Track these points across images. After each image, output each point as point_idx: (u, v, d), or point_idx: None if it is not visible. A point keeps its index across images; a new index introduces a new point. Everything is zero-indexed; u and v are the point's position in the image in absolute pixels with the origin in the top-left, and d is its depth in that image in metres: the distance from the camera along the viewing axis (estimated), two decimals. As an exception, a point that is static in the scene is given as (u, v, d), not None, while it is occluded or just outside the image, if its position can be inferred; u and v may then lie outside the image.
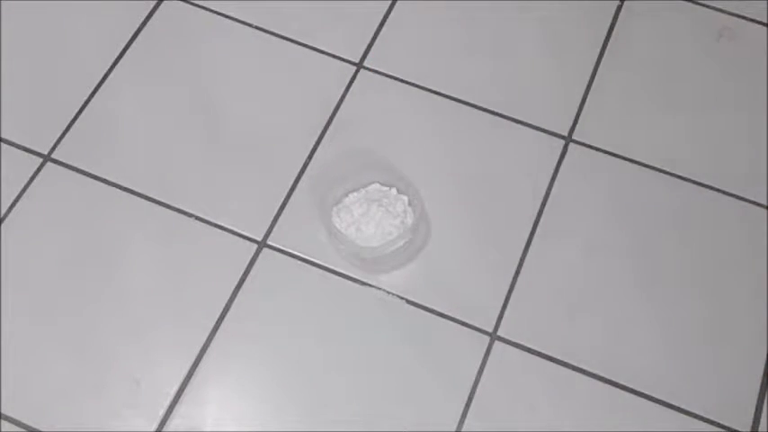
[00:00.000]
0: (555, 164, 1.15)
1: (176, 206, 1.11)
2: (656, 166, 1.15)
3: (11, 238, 1.08)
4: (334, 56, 1.23)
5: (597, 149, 1.17)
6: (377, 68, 1.22)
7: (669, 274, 1.08)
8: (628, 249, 1.10)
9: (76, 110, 1.18)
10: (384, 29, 1.25)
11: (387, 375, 1.02)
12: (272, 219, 1.10)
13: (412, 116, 1.19)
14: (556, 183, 1.14)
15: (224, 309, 1.04)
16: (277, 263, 1.08)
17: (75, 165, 1.14)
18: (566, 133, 1.18)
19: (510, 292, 1.06)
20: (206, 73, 1.22)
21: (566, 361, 1.02)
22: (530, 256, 1.09)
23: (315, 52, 1.23)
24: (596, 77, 1.22)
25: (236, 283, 1.06)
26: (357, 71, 1.21)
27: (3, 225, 1.09)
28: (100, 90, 1.19)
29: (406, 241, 1.07)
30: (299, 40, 1.24)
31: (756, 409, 1.00)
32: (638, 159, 1.16)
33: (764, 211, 1.12)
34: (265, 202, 1.12)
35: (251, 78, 1.21)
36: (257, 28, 1.25)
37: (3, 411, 0.98)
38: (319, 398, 1.00)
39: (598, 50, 1.24)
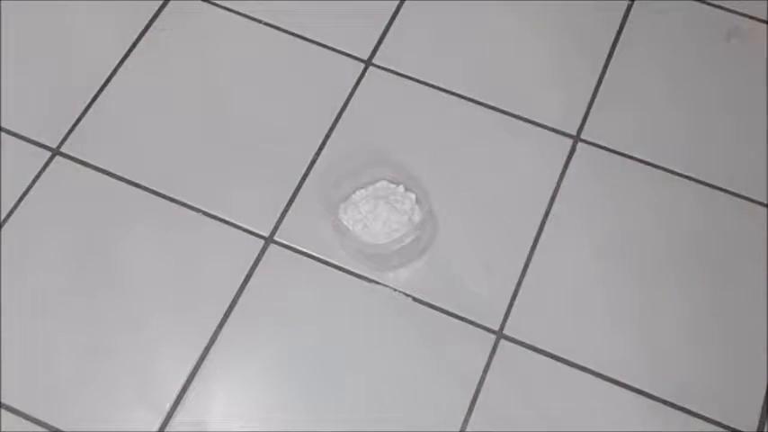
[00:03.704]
0: (563, 163, 1.15)
1: (184, 201, 1.11)
2: (663, 165, 1.15)
3: (20, 230, 1.09)
4: (343, 53, 1.23)
5: (605, 149, 1.16)
6: (386, 66, 1.22)
7: (674, 273, 1.08)
8: (634, 249, 1.10)
9: (85, 104, 1.18)
10: (393, 26, 1.25)
11: (392, 373, 1.02)
12: (279, 215, 1.10)
13: (420, 114, 1.19)
14: (564, 182, 1.13)
15: (230, 304, 1.05)
16: (284, 259, 1.08)
17: (83, 158, 1.14)
18: (574, 132, 1.17)
19: (516, 290, 1.06)
20: (214, 69, 1.22)
21: (572, 360, 1.02)
22: (536, 254, 1.08)
23: (324, 49, 1.23)
24: (606, 76, 1.21)
25: (242, 278, 1.06)
26: (366, 68, 1.21)
27: (12, 217, 1.09)
28: (109, 85, 1.20)
29: (413, 239, 1.07)
30: (308, 36, 1.24)
31: (762, 410, 1.00)
32: (646, 159, 1.15)
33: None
34: (273, 197, 1.12)
35: (259, 74, 1.21)
36: (266, 24, 1.25)
37: (13, 406, 0.99)
38: (324, 394, 1.01)
39: (608, 50, 1.24)
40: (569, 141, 1.17)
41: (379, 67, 1.22)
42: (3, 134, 1.15)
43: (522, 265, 1.08)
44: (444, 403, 1.00)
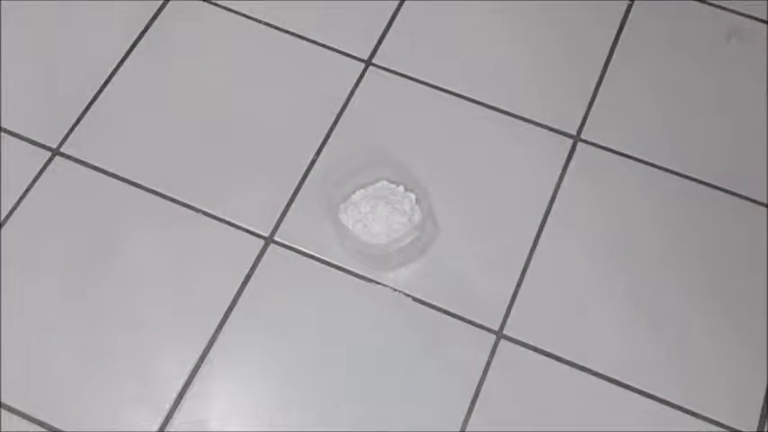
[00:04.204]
0: (563, 163, 1.15)
1: (184, 201, 1.11)
2: (663, 165, 1.15)
3: (20, 230, 1.09)
4: (343, 53, 1.23)
5: (606, 149, 1.16)
6: (386, 65, 1.22)
7: (674, 273, 1.08)
8: (634, 249, 1.10)
9: (85, 104, 1.18)
10: (393, 26, 1.25)
11: (392, 373, 1.02)
12: (279, 215, 1.10)
13: (420, 113, 1.19)
14: (564, 182, 1.13)
15: (230, 304, 1.05)
16: (284, 259, 1.08)
17: (83, 159, 1.14)
18: (574, 132, 1.17)
19: (516, 290, 1.06)
20: (214, 69, 1.22)
21: (572, 360, 1.02)
22: (536, 254, 1.08)
23: (324, 49, 1.23)
24: (606, 76, 1.21)
25: (242, 278, 1.06)
26: (366, 68, 1.21)
27: (12, 217, 1.09)
28: (109, 85, 1.19)
29: (413, 239, 1.07)
30: (308, 36, 1.24)
31: (762, 409, 1.00)
32: (646, 159, 1.15)
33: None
34: (273, 197, 1.12)
35: (259, 74, 1.21)
36: (266, 24, 1.25)
37: (13, 406, 0.99)
38: (324, 394, 1.01)
39: (608, 49, 1.24)
40: (569, 141, 1.17)
41: (379, 67, 1.22)
42: (3, 134, 1.15)
43: (522, 265, 1.08)
44: (444, 403, 1.00)
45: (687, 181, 1.14)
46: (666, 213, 1.12)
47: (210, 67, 1.22)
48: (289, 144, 1.16)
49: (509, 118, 1.18)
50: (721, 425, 0.99)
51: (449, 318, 1.05)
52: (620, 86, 1.21)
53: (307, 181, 1.13)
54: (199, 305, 1.05)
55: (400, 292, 1.06)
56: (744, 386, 1.02)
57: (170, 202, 1.11)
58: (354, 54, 1.23)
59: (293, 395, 1.01)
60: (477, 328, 1.04)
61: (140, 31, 1.24)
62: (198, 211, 1.11)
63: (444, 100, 1.19)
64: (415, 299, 1.06)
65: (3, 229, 1.09)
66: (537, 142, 1.17)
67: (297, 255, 1.08)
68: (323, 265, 1.07)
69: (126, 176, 1.13)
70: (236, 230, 1.10)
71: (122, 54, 1.22)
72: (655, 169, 1.15)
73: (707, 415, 1.00)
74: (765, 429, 0.99)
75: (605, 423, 0.99)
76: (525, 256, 1.09)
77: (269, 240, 1.09)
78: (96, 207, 1.11)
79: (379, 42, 1.24)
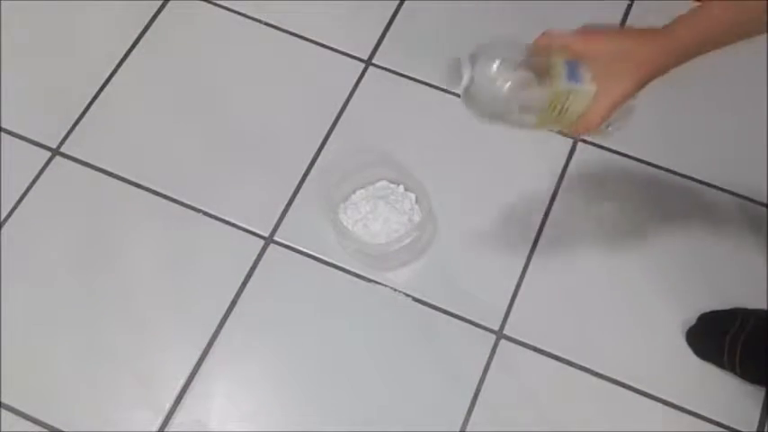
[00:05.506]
0: (563, 163, 1.15)
1: (184, 201, 1.11)
2: (663, 165, 1.15)
3: (20, 229, 1.09)
4: (343, 53, 1.23)
5: (605, 149, 1.16)
6: (385, 65, 1.22)
7: (674, 273, 1.08)
8: (633, 248, 1.10)
9: (85, 105, 1.18)
10: (393, 26, 1.25)
11: (392, 373, 1.02)
12: (279, 215, 1.10)
13: (421, 114, 1.19)
14: (564, 183, 1.13)
15: (230, 304, 1.05)
16: (284, 259, 1.08)
17: (83, 159, 1.14)
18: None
19: (516, 290, 1.06)
20: (214, 69, 1.22)
21: (571, 360, 1.02)
22: (536, 255, 1.08)
23: (324, 49, 1.23)
24: (605, 77, 1.21)
25: (242, 278, 1.06)
26: (366, 68, 1.21)
27: (12, 217, 1.09)
28: (108, 85, 1.20)
29: (413, 239, 1.06)
30: (308, 36, 1.24)
31: (762, 410, 1.00)
32: (644, 159, 1.16)
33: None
34: (273, 198, 1.12)
35: (259, 75, 1.21)
36: (266, 24, 1.25)
37: (13, 406, 0.99)
38: (324, 394, 1.01)
39: (607, 50, 1.24)
40: (569, 141, 1.17)
41: (379, 67, 1.22)
42: (3, 134, 1.15)
43: (522, 265, 1.08)
44: (444, 403, 1.00)
45: (687, 181, 1.14)
46: (666, 213, 1.12)
47: (210, 67, 1.22)
48: (289, 144, 1.16)
49: (509, 118, 1.18)
50: (721, 425, 0.99)
51: (449, 318, 1.05)
52: (619, 86, 1.21)
53: (307, 181, 1.13)
54: (199, 305, 1.05)
55: (400, 292, 1.06)
56: (744, 386, 1.01)
57: (170, 202, 1.11)
58: (354, 54, 1.23)
59: (293, 395, 1.01)
60: (477, 328, 1.04)
61: (140, 30, 1.24)
62: (198, 211, 1.11)
63: (444, 100, 1.19)
64: (415, 299, 1.06)
65: (3, 229, 1.09)
66: (536, 142, 1.17)
67: (297, 255, 1.08)
68: (323, 265, 1.08)
69: (126, 176, 1.13)
70: (236, 230, 1.10)
71: (123, 54, 1.22)
72: (654, 169, 1.15)
73: (707, 415, 1.00)
74: (765, 429, 0.99)
75: (605, 423, 0.99)
76: (525, 256, 1.08)
77: (269, 240, 1.09)
78: (96, 207, 1.11)
79: (379, 42, 1.24)
